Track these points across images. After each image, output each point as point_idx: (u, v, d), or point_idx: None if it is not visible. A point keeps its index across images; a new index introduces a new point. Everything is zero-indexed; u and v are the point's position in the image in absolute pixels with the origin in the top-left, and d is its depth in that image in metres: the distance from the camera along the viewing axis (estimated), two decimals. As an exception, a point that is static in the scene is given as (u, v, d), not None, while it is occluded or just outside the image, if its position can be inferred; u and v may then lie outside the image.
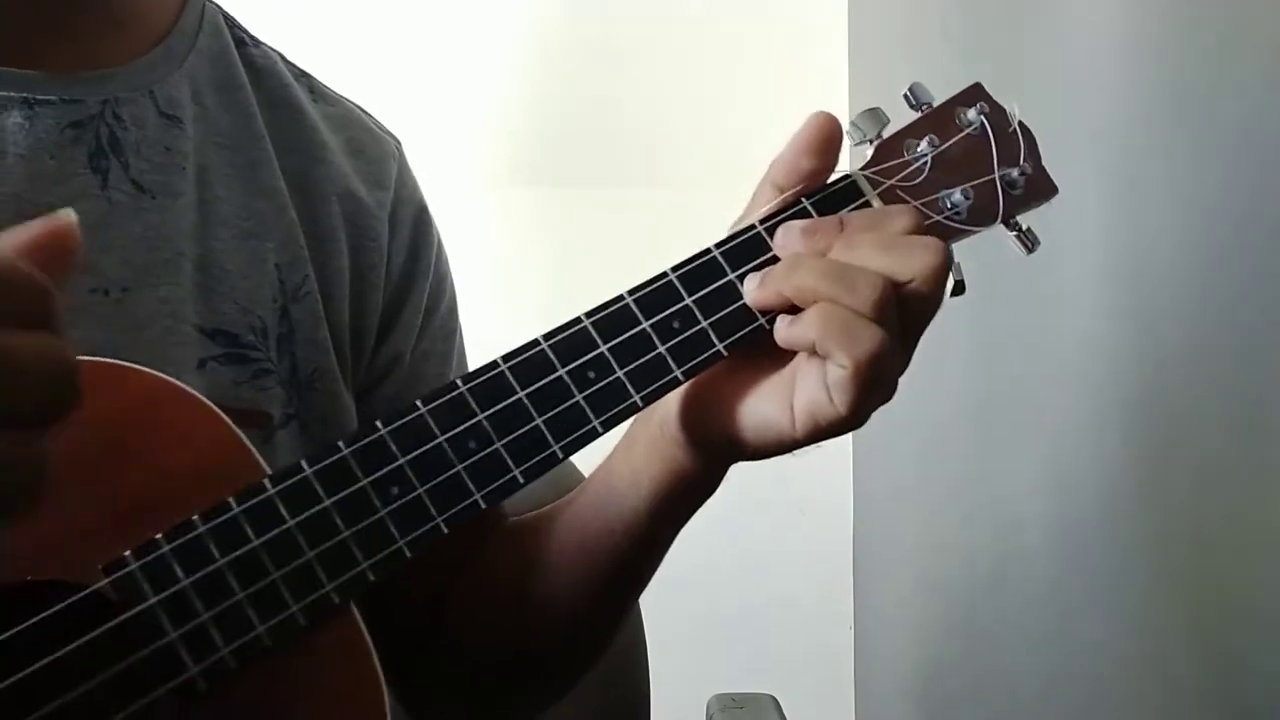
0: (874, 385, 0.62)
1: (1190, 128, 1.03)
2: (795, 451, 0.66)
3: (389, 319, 0.85)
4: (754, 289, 0.66)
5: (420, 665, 0.85)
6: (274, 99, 0.83)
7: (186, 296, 0.74)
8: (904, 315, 0.64)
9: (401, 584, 0.81)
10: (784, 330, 0.65)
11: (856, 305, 0.62)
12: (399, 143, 0.90)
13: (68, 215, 0.51)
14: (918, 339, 0.66)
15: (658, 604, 1.14)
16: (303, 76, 0.87)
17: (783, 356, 0.66)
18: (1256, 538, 0.94)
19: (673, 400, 0.70)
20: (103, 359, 0.60)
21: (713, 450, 0.70)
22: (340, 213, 0.83)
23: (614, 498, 0.74)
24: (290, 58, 0.88)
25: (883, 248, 0.64)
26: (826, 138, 0.68)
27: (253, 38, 0.86)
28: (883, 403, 0.65)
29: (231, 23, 0.85)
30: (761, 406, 0.66)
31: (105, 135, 0.73)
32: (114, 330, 0.71)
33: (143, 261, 0.73)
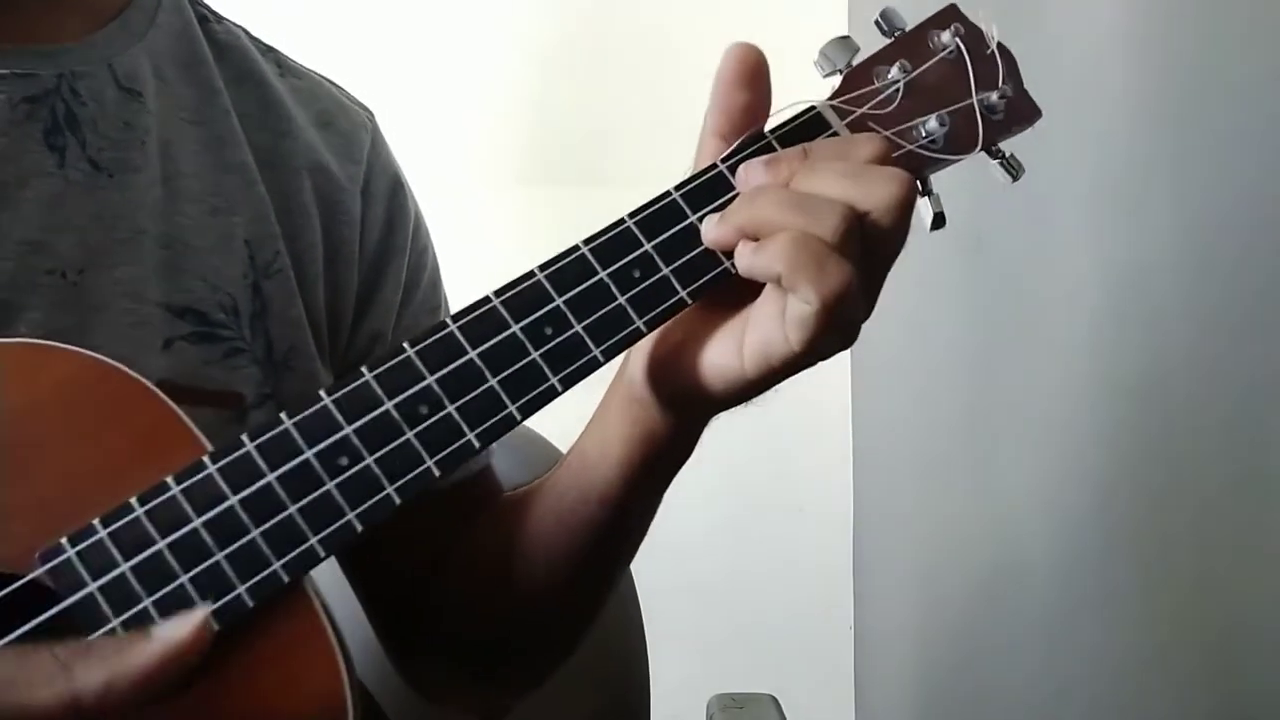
0: (836, 324, 0.59)
1: (1193, 129, 1.00)
2: (755, 400, 0.63)
3: (366, 296, 0.83)
4: (712, 227, 0.63)
5: (417, 640, 0.84)
6: (239, 74, 0.81)
7: (149, 275, 0.72)
8: (866, 250, 0.60)
9: (390, 559, 0.80)
10: (748, 257, 0.60)
11: (822, 234, 0.58)
12: (372, 115, 0.88)
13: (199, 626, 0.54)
14: (881, 280, 0.62)
15: (658, 604, 1.14)
16: (269, 51, 0.85)
17: (744, 304, 0.63)
18: (1258, 546, 0.92)
19: (637, 358, 0.67)
20: (26, 339, 0.58)
21: (678, 405, 0.67)
22: (311, 187, 0.81)
23: (587, 466, 0.72)
24: (294, 57, 0.86)
25: (845, 176, 0.60)
26: (750, 67, 0.65)
27: (215, 14, 0.83)
28: (843, 347, 0.61)
29: None
30: (715, 350, 0.63)
31: (61, 111, 0.71)
32: (71, 312, 0.69)
33: (99, 242, 0.71)
